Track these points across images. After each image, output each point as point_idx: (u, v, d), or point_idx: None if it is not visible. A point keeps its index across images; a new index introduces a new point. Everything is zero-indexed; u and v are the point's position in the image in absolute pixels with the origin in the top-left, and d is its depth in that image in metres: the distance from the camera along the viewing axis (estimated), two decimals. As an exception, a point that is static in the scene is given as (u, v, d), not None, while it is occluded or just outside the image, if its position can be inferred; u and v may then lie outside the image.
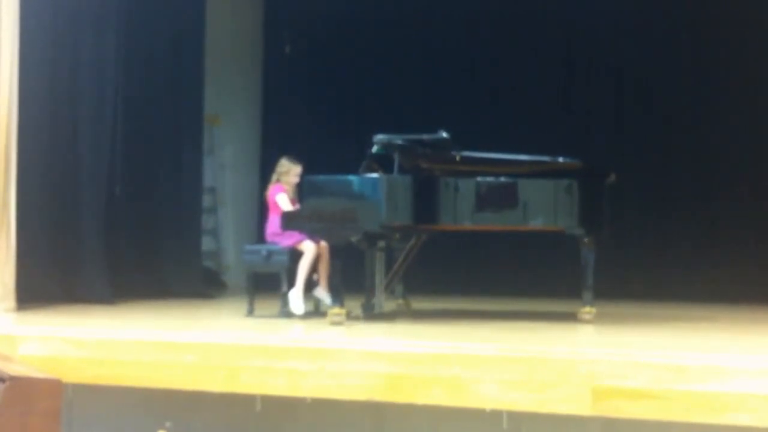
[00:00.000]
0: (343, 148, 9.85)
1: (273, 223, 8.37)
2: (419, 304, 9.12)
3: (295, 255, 8.25)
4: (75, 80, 9.47)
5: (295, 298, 8.15)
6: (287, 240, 8.29)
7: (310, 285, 8.31)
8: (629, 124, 11.08)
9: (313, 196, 7.97)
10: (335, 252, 8.29)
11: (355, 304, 8.08)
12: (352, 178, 7.90)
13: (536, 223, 8.03)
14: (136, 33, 9.93)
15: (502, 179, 8.02)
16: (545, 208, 7.98)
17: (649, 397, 5.65)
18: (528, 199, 7.93)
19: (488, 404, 5.92)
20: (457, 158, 8.24)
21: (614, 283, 9.81)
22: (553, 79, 11.22)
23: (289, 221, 8.08)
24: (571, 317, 8.10)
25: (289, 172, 8.45)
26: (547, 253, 9.94)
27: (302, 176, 8.37)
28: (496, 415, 5.94)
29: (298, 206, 8.24)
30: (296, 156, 8.58)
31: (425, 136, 8.22)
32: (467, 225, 8.04)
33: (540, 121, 10.92)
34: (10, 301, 8.31)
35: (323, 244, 8.22)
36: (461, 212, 7.87)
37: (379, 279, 8.30)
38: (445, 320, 8.58)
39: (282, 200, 8.33)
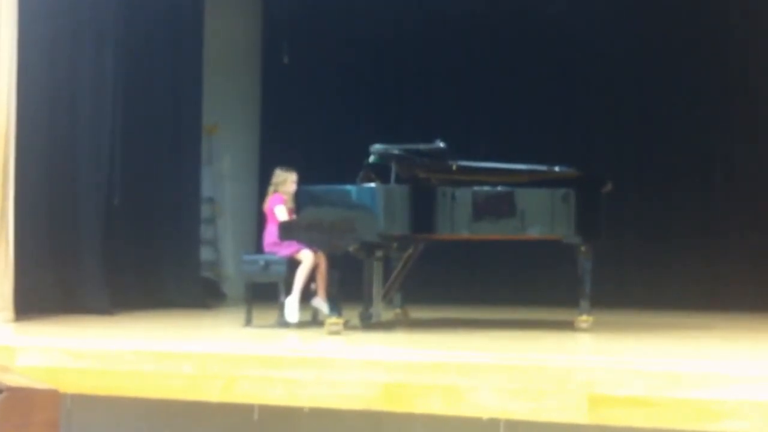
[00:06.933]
0: (341, 157, 9.86)
1: (271, 233, 8.38)
2: (417, 313, 9.12)
3: (293, 265, 8.25)
4: (73, 91, 9.48)
5: (291, 306, 8.15)
6: (285, 250, 8.30)
7: (308, 294, 8.32)
8: (627, 132, 11.11)
9: (310, 206, 7.97)
10: (333, 261, 8.29)
11: (353, 314, 8.10)
12: (349, 187, 7.89)
13: (533, 232, 8.04)
14: (134, 43, 9.96)
15: (499, 188, 8.03)
16: (542, 216, 7.99)
17: (645, 405, 5.65)
18: (525, 208, 7.94)
19: (485, 413, 5.92)
20: (454, 167, 8.25)
21: (611, 291, 9.84)
22: (551, 87, 11.23)
23: (286, 231, 8.09)
24: (568, 325, 8.11)
25: (286, 180, 8.46)
26: (544, 262, 9.96)
27: (299, 185, 8.39)
28: (493, 424, 5.95)
29: (295, 216, 8.27)
30: (291, 164, 8.60)
31: (422, 146, 8.22)
32: (464, 234, 8.04)
33: (538, 130, 10.95)
34: (9, 311, 8.32)
35: (321, 253, 8.23)
36: (458, 221, 7.87)
37: (377, 288, 8.32)
38: (442, 329, 8.59)
39: (280, 211, 8.34)
